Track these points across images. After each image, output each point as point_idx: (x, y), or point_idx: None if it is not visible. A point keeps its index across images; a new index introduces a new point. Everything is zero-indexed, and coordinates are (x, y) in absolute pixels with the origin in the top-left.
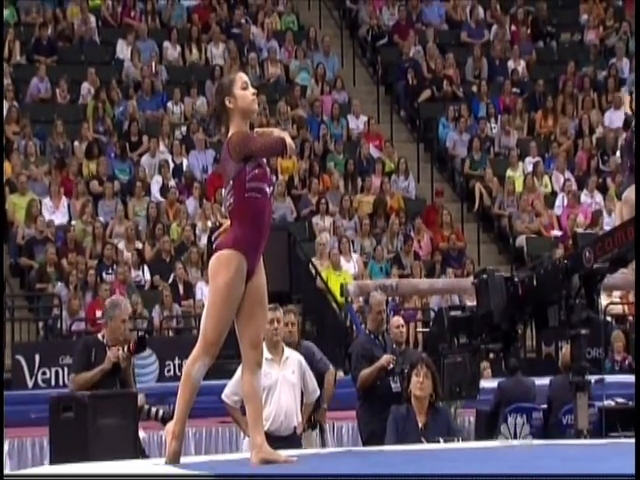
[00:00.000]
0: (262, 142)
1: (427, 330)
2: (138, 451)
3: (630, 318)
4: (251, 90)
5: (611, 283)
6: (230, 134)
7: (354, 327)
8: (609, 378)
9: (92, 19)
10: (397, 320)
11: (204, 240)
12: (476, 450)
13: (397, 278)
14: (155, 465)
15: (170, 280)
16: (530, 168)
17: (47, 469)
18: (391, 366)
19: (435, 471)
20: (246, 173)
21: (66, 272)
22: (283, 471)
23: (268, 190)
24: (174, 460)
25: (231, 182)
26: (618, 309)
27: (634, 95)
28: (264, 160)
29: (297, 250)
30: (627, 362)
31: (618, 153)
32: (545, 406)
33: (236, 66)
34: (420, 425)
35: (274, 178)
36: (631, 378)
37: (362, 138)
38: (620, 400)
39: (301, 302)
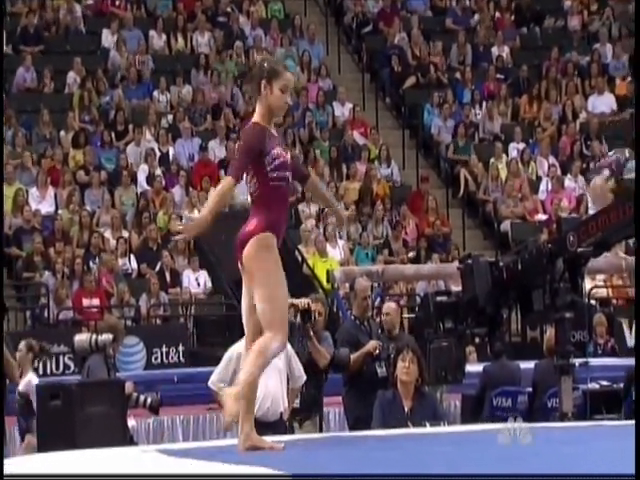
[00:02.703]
0: (228, 186)
1: (413, 315)
2: (126, 439)
3: (614, 301)
4: (287, 97)
5: (595, 267)
6: (252, 122)
7: (340, 313)
8: (593, 361)
9: (78, 8)
10: (387, 307)
11: None
12: (462, 434)
13: (383, 264)
14: (144, 452)
15: (157, 268)
16: (514, 153)
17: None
18: (377, 352)
19: (421, 455)
20: (267, 164)
21: (53, 261)
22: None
23: (290, 176)
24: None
25: (252, 170)
26: (602, 292)
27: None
28: (281, 149)
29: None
30: (610, 345)
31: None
32: (530, 389)
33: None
34: (406, 410)
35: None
36: (614, 361)
37: (347, 125)
38: (604, 383)
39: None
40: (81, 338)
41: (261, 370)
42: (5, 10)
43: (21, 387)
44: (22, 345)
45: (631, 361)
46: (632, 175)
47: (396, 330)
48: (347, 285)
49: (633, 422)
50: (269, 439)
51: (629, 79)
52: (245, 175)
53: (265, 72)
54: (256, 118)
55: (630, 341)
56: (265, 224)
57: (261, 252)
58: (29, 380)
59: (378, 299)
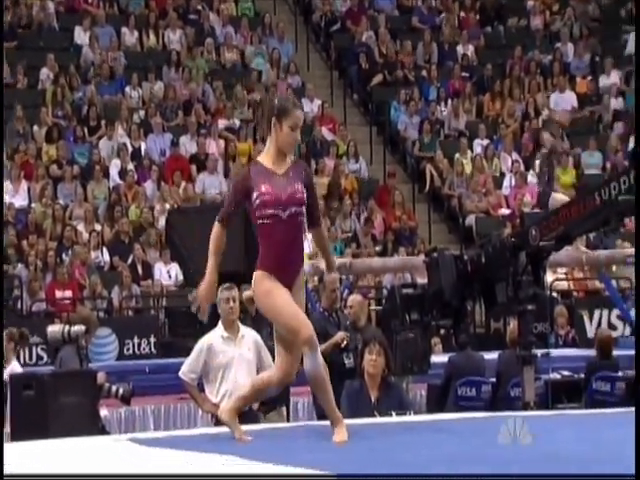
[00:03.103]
0: (216, 234)
1: (380, 307)
2: (98, 428)
3: (575, 294)
4: (296, 135)
5: (556, 260)
6: (254, 160)
7: (309, 305)
8: (554, 352)
9: (51, 5)
10: (351, 299)
11: (162, 222)
12: (427, 422)
13: (351, 257)
14: (116, 441)
15: (129, 261)
16: (479, 150)
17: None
18: (345, 343)
19: (387, 444)
20: (252, 203)
21: (26, 254)
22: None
23: (282, 213)
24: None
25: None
26: (563, 285)
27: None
28: (269, 186)
29: (253, 231)
30: (570, 336)
31: (537, 162)
32: (494, 379)
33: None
34: (373, 399)
35: (302, 194)
36: (575, 352)
37: (316, 121)
38: (565, 373)
39: None
40: (54, 329)
41: (329, 391)
42: None
43: (6, 375)
44: (4, 334)
45: (591, 352)
46: (592, 170)
47: (362, 322)
48: (316, 278)
49: (593, 411)
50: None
51: (589, 77)
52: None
53: (275, 110)
54: (262, 155)
55: (590, 332)
56: (259, 264)
57: (255, 289)
58: (12, 368)
59: (346, 291)
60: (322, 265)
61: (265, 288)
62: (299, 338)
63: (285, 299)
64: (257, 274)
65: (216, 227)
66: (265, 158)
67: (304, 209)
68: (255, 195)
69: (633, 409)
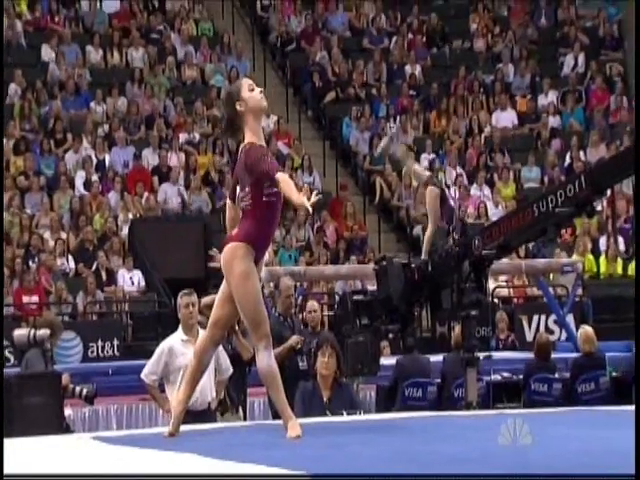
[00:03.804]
0: (283, 179)
1: (332, 313)
2: (63, 427)
3: (515, 300)
4: (257, 89)
5: (498, 268)
6: (247, 143)
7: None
8: (495, 355)
9: (19, 24)
10: (311, 305)
11: (125, 230)
12: (376, 421)
13: (305, 265)
14: (79, 439)
15: (93, 268)
16: (425, 164)
17: None
18: (299, 346)
19: (339, 441)
20: (263, 181)
21: None
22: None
23: (279, 192)
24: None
25: (248, 187)
26: (504, 292)
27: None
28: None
29: (212, 240)
30: (510, 340)
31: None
32: (439, 380)
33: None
34: (325, 399)
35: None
36: (515, 355)
37: (273, 136)
38: (505, 374)
39: (216, 288)
40: (20, 333)
41: (280, 388)
42: None
43: None
44: None
45: (530, 355)
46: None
47: (319, 327)
48: (272, 284)
49: (531, 410)
50: (197, 427)
51: (529, 97)
52: (240, 189)
53: (232, 97)
54: (252, 140)
55: (529, 336)
56: (244, 236)
57: (234, 260)
58: None
59: (300, 297)
60: (278, 271)
61: (245, 269)
62: (258, 332)
63: (258, 290)
64: (240, 245)
65: (282, 176)
66: (257, 141)
67: None
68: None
69: (569, 409)
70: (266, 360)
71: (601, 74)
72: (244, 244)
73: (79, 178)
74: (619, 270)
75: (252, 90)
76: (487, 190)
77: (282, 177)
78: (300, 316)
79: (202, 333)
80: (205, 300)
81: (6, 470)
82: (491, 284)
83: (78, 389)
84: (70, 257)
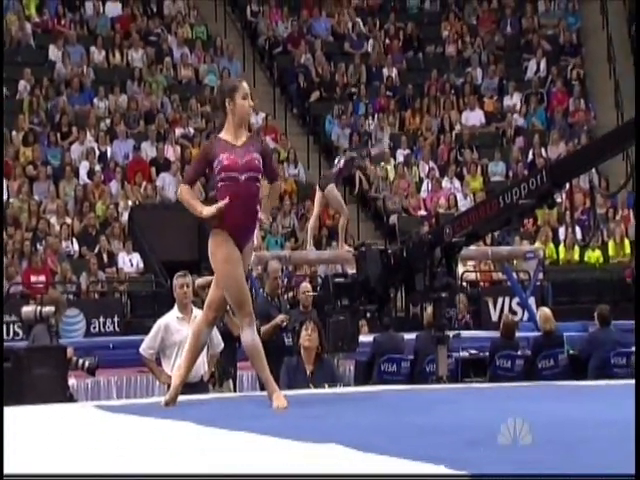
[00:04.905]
0: (180, 193)
1: (315, 294)
2: (67, 396)
3: (481, 284)
4: (249, 101)
5: (466, 254)
6: (211, 137)
7: (254, 291)
8: (464, 333)
9: (28, 26)
10: (305, 286)
11: (125, 216)
12: (355, 393)
13: (290, 250)
14: (82, 408)
15: (95, 250)
16: (401, 158)
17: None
18: (284, 324)
19: (321, 412)
20: (214, 168)
21: (5, 243)
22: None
23: (239, 175)
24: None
25: (210, 175)
26: (472, 276)
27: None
28: (229, 154)
29: (205, 225)
30: (464, 321)
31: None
32: (412, 357)
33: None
34: (308, 373)
35: (257, 162)
36: (481, 333)
37: (261, 131)
38: (473, 351)
39: (208, 269)
40: (28, 309)
41: (264, 362)
42: None
43: None
44: None
45: (495, 333)
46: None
47: (310, 307)
48: (260, 267)
49: (496, 384)
50: (191, 398)
51: (496, 98)
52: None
53: (226, 90)
54: (222, 132)
55: (494, 317)
56: (218, 222)
57: (212, 246)
58: None
59: (286, 279)
60: (265, 256)
61: (225, 253)
62: (242, 311)
63: (240, 273)
64: (215, 232)
65: (183, 187)
66: (226, 134)
67: (260, 176)
68: (216, 162)
69: (530, 383)
70: (250, 336)
71: (561, 78)
72: (219, 230)
73: (83, 168)
74: (576, 257)
75: (244, 99)
76: (457, 183)
77: (180, 190)
78: (286, 296)
79: (195, 311)
80: (199, 281)
81: (14, 442)
82: (460, 269)
83: (81, 361)
84: (74, 240)
